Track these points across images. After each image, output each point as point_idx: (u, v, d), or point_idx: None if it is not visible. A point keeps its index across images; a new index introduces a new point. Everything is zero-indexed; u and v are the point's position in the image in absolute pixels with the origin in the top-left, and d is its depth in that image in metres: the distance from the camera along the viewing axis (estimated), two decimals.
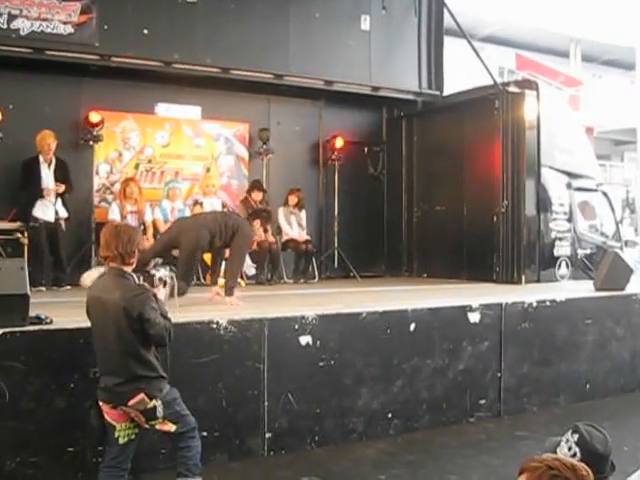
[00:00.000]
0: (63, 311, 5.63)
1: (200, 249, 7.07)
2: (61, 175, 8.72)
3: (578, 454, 2.95)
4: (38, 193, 8.52)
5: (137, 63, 9.33)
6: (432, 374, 6.69)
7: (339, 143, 11.23)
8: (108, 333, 4.18)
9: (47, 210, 8.57)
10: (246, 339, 5.71)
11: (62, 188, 8.65)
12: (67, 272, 8.74)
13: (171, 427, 4.28)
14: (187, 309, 5.88)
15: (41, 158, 8.64)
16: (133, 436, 4.31)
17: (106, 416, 4.26)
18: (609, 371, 8.08)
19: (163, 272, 4.45)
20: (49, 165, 8.67)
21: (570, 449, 2.98)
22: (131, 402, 4.14)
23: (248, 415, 5.74)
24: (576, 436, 3.01)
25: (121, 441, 4.26)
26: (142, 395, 4.13)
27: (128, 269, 4.24)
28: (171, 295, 4.74)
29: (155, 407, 4.18)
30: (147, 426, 4.29)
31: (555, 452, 2.97)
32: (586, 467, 2.35)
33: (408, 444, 6.27)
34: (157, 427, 4.30)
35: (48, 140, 8.62)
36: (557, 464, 2.30)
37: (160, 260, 4.69)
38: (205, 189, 10.10)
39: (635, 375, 8.34)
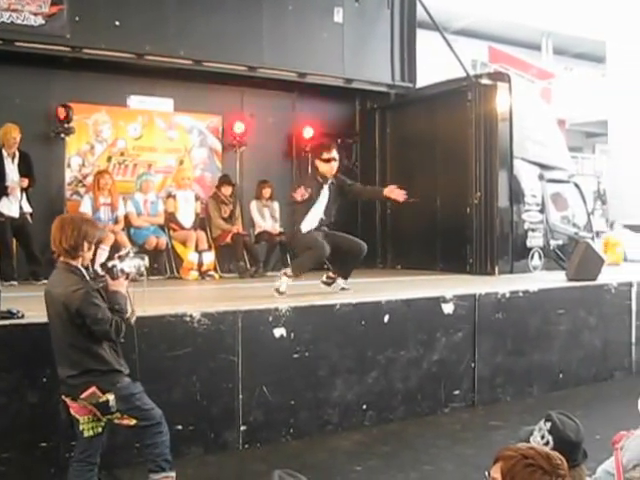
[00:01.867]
0: (37, 305, 5.56)
1: None
2: (25, 169, 8.53)
3: (551, 442, 2.97)
4: (2, 189, 8.37)
5: (109, 55, 9.21)
6: (406, 365, 6.71)
7: (310, 134, 11.25)
8: (56, 327, 4.19)
9: (12, 206, 8.39)
10: (220, 332, 5.69)
11: (26, 182, 8.49)
12: (43, 265, 8.64)
13: (131, 421, 4.25)
14: (159, 302, 5.86)
15: (4, 152, 8.45)
16: (99, 429, 4.27)
17: (70, 409, 4.24)
18: (582, 360, 8.16)
19: (129, 263, 4.34)
20: (13, 159, 8.48)
21: (543, 437, 3.00)
22: (83, 395, 4.12)
23: (223, 408, 5.73)
24: (549, 425, 3.03)
25: (86, 434, 4.23)
26: (93, 388, 4.10)
27: (77, 262, 4.19)
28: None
29: (107, 401, 4.13)
30: (104, 420, 4.26)
31: (529, 441, 2.99)
32: (560, 456, 2.37)
33: (383, 435, 6.29)
34: (116, 421, 4.27)
35: (14, 134, 8.43)
36: (531, 453, 2.32)
37: (131, 251, 4.55)
38: (179, 182, 10.05)
39: (607, 364, 8.43)
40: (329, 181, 7.26)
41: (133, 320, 4.44)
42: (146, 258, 4.54)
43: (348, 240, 7.43)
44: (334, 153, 7.29)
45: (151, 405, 4.32)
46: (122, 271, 4.29)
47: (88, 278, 4.24)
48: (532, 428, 3.14)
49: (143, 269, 4.46)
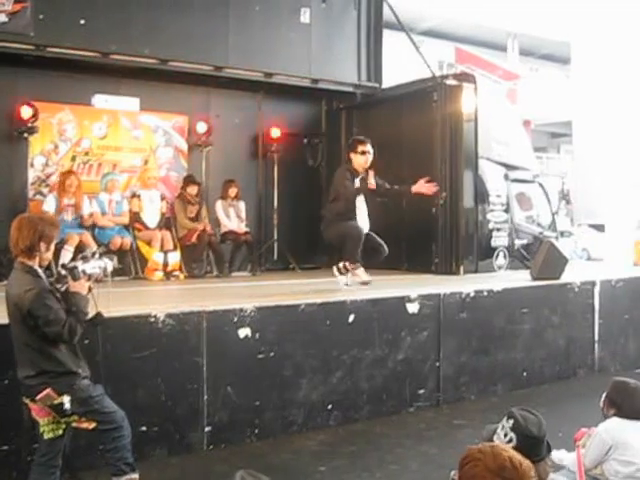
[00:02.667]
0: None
1: None
2: None
3: (514, 439, 3.00)
4: None
5: (74, 54, 9.12)
6: (371, 365, 6.73)
7: (276, 134, 11.26)
8: (13, 327, 4.16)
9: None
10: (184, 332, 5.67)
11: None
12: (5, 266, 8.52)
13: (90, 424, 4.21)
14: (124, 302, 5.82)
15: None
16: (60, 432, 4.23)
17: (32, 411, 4.20)
18: (545, 359, 8.25)
19: (93, 264, 4.30)
20: None
21: (506, 435, 3.03)
22: (38, 397, 4.08)
23: (187, 409, 5.71)
24: (511, 422, 3.06)
25: (46, 436, 4.19)
26: (48, 390, 4.05)
27: (33, 262, 4.15)
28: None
29: (62, 403, 4.09)
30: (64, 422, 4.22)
31: (492, 439, 3.02)
32: (518, 457, 2.30)
33: (348, 435, 6.30)
34: (74, 425, 4.24)
35: None
36: (486, 451, 2.29)
37: (97, 251, 4.50)
38: (144, 181, 10.00)
39: (570, 362, 8.53)
40: (360, 175, 7.45)
41: (99, 322, 4.40)
42: (115, 259, 4.52)
43: (375, 239, 7.78)
44: (369, 147, 7.60)
45: (112, 408, 4.27)
46: (84, 272, 4.24)
47: (45, 278, 4.18)
48: (496, 426, 3.17)
49: (110, 270, 4.42)
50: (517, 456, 2.28)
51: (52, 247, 4.30)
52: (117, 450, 4.20)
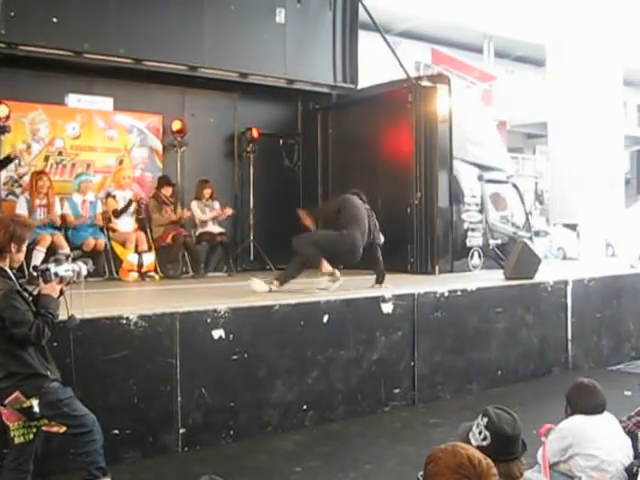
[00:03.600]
0: None
1: None
2: None
3: (488, 438, 3.00)
4: None
5: (46, 52, 9.03)
6: (346, 365, 6.73)
7: (252, 134, 11.25)
8: None
9: None
10: (157, 334, 5.63)
11: None
12: None
13: (60, 429, 4.17)
14: (96, 304, 5.76)
15: None
16: (31, 436, 4.17)
17: (2, 416, 4.15)
18: (519, 357, 8.30)
19: (66, 267, 4.24)
20: None
21: (480, 433, 3.03)
22: (7, 400, 4.03)
23: (161, 411, 5.67)
24: (485, 420, 3.06)
25: (17, 441, 4.14)
26: (17, 393, 4.00)
27: (3, 264, 4.10)
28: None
29: (31, 406, 4.04)
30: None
31: (468, 438, 3.02)
32: (477, 456, 2.31)
33: (324, 435, 6.29)
34: (45, 428, 4.19)
35: None
36: (446, 450, 2.32)
37: (72, 254, 4.44)
38: (119, 181, 9.92)
39: (544, 360, 8.60)
40: None
41: (72, 324, 4.36)
42: (90, 262, 4.47)
43: None
44: None
45: (82, 412, 4.22)
46: (56, 275, 4.19)
47: (15, 280, 4.14)
48: (471, 424, 3.18)
49: (84, 273, 4.37)
50: (477, 454, 2.29)
51: (24, 248, 4.26)
52: (88, 454, 4.16)
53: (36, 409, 4.04)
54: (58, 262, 4.25)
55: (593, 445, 4.05)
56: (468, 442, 2.84)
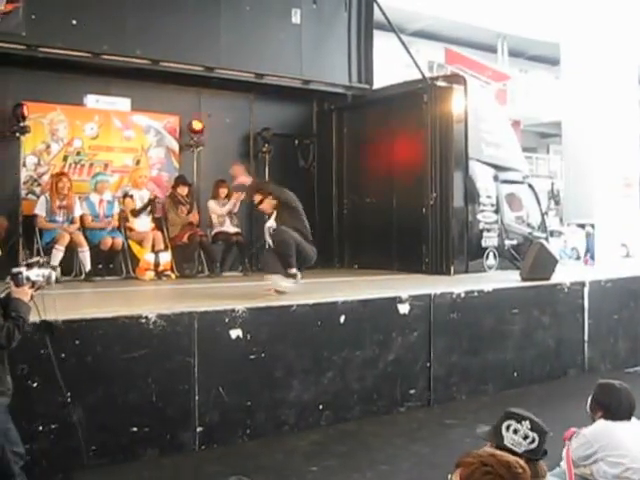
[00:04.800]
0: None
1: None
2: None
3: (536, 440, 2.99)
4: None
5: (65, 54, 9.12)
6: (362, 365, 6.74)
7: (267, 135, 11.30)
8: None
9: None
10: (176, 333, 5.67)
11: None
12: None
13: None
14: (115, 302, 5.81)
15: None
16: None
17: None
18: (535, 359, 8.28)
19: (37, 272, 4.22)
20: None
21: (526, 437, 3.00)
22: None
23: (179, 409, 5.71)
24: (527, 423, 3.04)
25: None
26: None
27: None
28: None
29: None
30: None
31: (503, 444, 3.00)
32: (523, 464, 2.35)
33: (339, 435, 6.31)
34: None
35: None
36: (491, 460, 2.31)
37: (41, 260, 4.41)
38: (135, 180, 9.99)
39: (560, 362, 8.57)
40: None
41: (45, 330, 4.37)
42: (58, 269, 4.43)
43: None
44: None
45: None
46: (28, 279, 4.16)
47: None
48: (488, 429, 3.16)
49: (53, 279, 4.33)
50: (520, 461, 2.35)
51: None
52: None
53: None
54: (30, 266, 4.22)
55: (619, 452, 3.97)
56: (504, 450, 2.80)
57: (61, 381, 4.43)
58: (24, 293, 4.13)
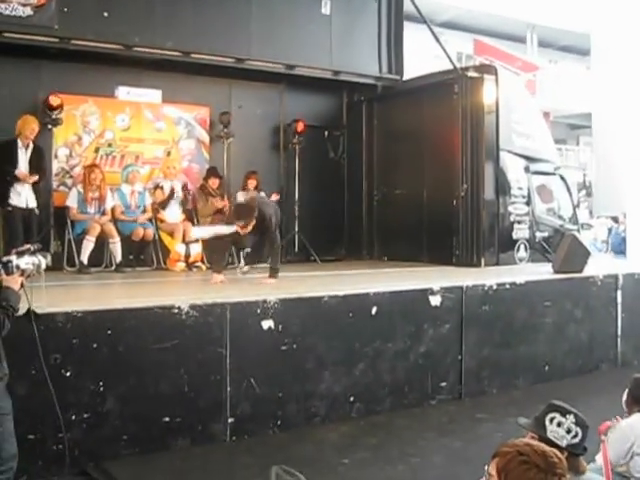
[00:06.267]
0: None
1: None
2: (37, 162, 8.51)
3: (579, 434, 2.96)
4: (13, 178, 8.33)
5: (97, 46, 9.17)
6: (394, 357, 6.72)
7: (298, 126, 11.24)
8: None
9: (21, 197, 8.38)
10: (208, 324, 5.68)
11: (35, 178, 8.42)
12: None
13: None
14: (146, 293, 5.82)
15: (20, 142, 8.43)
16: None
17: None
18: (567, 353, 8.21)
19: (27, 260, 4.17)
20: (26, 150, 8.45)
21: (570, 431, 2.98)
22: None
23: (210, 400, 5.72)
24: (572, 417, 3.01)
25: None
26: None
27: None
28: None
29: None
30: None
31: (546, 436, 2.97)
32: (558, 454, 2.35)
33: (370, 427, 6.29)
34: None
35: (33, 125, 8.46)
36: (527, 450, 2.31)
37: (31, 247, 4.38)
38: (165, 171, 10.03)
39: (592, 356, 8.49)
40: None
41: (33, 318, 4.28)
42: (48, 256, 4.39)
43: None
44: None
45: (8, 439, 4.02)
46: (18, 267, 4.12)
47: None
48: (529, 420, 3.13)
49: (43, 267, 4.29)
50: (554, 449, 2.34)
51: None
52: None
53: None
54: (20, 254, 4.18)
55: None
56: (547, 442, 2.77)
57: (46, 370, 4.34)
58: (14, 281, 4.08)
